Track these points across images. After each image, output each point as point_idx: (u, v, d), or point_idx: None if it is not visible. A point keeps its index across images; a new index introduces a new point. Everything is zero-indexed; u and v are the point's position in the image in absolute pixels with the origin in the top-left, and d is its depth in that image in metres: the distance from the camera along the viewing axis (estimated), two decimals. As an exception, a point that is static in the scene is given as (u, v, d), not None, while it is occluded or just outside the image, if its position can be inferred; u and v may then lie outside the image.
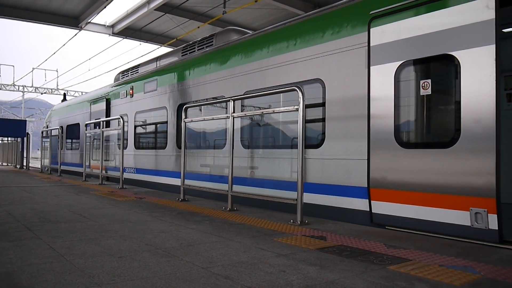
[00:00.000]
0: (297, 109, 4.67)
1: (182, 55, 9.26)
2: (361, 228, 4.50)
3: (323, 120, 5.48)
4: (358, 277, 2.69)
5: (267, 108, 6.21)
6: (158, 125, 9.64)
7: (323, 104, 5.47)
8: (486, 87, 3.83)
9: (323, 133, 5.46)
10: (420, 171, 4.33)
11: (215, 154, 7.72)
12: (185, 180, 6.77)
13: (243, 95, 6.45)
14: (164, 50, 18.82)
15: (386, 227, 4.59)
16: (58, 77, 34.68)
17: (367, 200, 4.82)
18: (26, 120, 21.91)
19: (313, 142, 5.62)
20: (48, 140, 16.11)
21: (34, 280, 2.52)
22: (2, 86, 35.72)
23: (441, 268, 2.93)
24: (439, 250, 3.49)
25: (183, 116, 6.74)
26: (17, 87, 36.49)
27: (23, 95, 41.39)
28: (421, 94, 4.40)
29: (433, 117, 4.51)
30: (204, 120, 7.22)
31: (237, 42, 7.46)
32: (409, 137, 4.64)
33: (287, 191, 5.24)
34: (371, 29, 4.83)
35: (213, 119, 6.73)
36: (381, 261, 3.09)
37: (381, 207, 4.68)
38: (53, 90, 36.59)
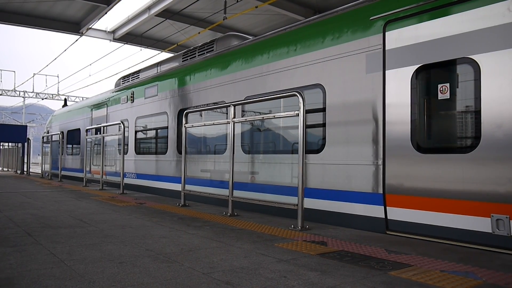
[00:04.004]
0: (298, 114, 4.68)
1: (182, 61, 9.29)
2: (361, 233, 4.48)
3: (323, 125, 5.48)
4: (359, 283, 2.68)
5: (268, 113, 6.22)
6: (158, 130, 9.66)
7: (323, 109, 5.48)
8: (507, 91, 3.77)
9: (324, 138, 5.46)
10: (438, 176, 4.23)
11: (216, 159, 7.72)
12: (186, 185, 6.77)
13: (244, 100, 6.46)
14: (165, 55, 18.89)
15: (402, 235, 4.46)
16: (59, 82, 34.82)
17: (382, 206, 4.70)
18: (26, 126, 21.93)
19: (314, 147, 5.62)
20: (49, 145, 16.12)
21: (34, 285, 2.51)
22: (3, 92, 35.81)
23: (442, 273, 2.92)
24: (440, 255, 3.48)
25: (184, 121, 6.74)
26: (18, 92, 36.58)
27: (24, 100, 41.46)
28: (439, 98, 4.32)
29: (451, 121, 4.40)
30: (204, 125, 7.22)
31: (237, 47, 7.49)
32: (426, 142, 4.53)
33: (288, 196, 5.23)
34: (387, 33, 4.76)
35: (213, 124, 6.73)
36: (382, 267, 3.08)
37: (397, 214, 4.57)
38: (54, 95, 36.67)
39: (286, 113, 5.17)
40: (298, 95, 4.67)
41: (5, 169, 22.22)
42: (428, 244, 3.97)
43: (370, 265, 3.13)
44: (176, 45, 18.94)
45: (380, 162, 4.75)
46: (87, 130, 11.75)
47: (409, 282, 2.70)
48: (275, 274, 2.85)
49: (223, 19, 14.52)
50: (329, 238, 4.20)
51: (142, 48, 20.47)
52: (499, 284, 2.69)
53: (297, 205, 4.64)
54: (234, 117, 5.77)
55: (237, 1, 13.93)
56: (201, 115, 8.04)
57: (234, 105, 5.81)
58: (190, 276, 2.79)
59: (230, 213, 5.70)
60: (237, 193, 5.82)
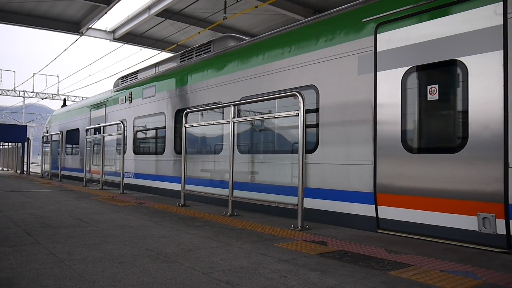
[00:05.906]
0: (297, 114, 4.68)
1: (180, 61, 9.29)
2: (362, 233, 4.49)
3: (316, 125, 5.49)
4: (359, 283, 2.68)
5: (266, 113, 6.23)
6: (156, 130, 9.67)
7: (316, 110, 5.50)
8: (494, 93, 3.83)
9: (317, 138, 5.48)
10: (427, 176, 4.30)
11: (212, 159, 7.72)
12: (185, 185, 6.75)
13: (239, 100, 6.47)
14: (165, 55, 18.88)
15: (392, 233, 4.52)
16: (59, 82, 34.74)
17: (373, 205, 4.76)
18: (26, 125, 21.95)
19: (307, 147, 5.62)
20: (49, 145, 16.12)
21: (34, 285, 2.51)
22: (3, 92, 35.77)
23: (442, 273, 2.92)
24: (440, 255, 3.48)
25: (184, 121, 6.74)
26: (18, 92, 36.54)
27: (24, 100, 41.42)
28: (428, 99, 4.38)
29: (440, 122, 4.48)
30: (204, 125, 7.22)
31: (234, 48, 7.49)
32: (416, 143, 4.59)
33: (287, 196, 5.24)
34: (378, 35, 4.81)
35: (213, 124, 6.73)
36: (382, 267, 3.08)
37: (388, 213, 4.63)
38: (53, 95, 36.62)
39: (286, 113, 5.17)
40: (298, 95, 4.69)
41: (5, 169, 22.21)
42: (427, 244, 3.98)
43: (370, 265, 3.13)
44: (176, 45, 18.93)
45: (371, 162, 4.78)
46: (86, 130, 11.76)
47: (409, 282, 2.70)
48: (275, 274, 2.85)
49: (223, 19, 14.51)
50: (329, 238, 4.20)
51: (142, 48, 20.46)
52: (499, 284, 2.69)
53: (296, 205, 4.64)
54: (235, 117, 5.77)
55: (237, 1, 13.93)
56: (202, 115, 8.03)
57: (234, 105, 5.82)
58: (190, 276, 2.79)
59: (230, 213, 5.70)
60: (236, 193, 5.81)
